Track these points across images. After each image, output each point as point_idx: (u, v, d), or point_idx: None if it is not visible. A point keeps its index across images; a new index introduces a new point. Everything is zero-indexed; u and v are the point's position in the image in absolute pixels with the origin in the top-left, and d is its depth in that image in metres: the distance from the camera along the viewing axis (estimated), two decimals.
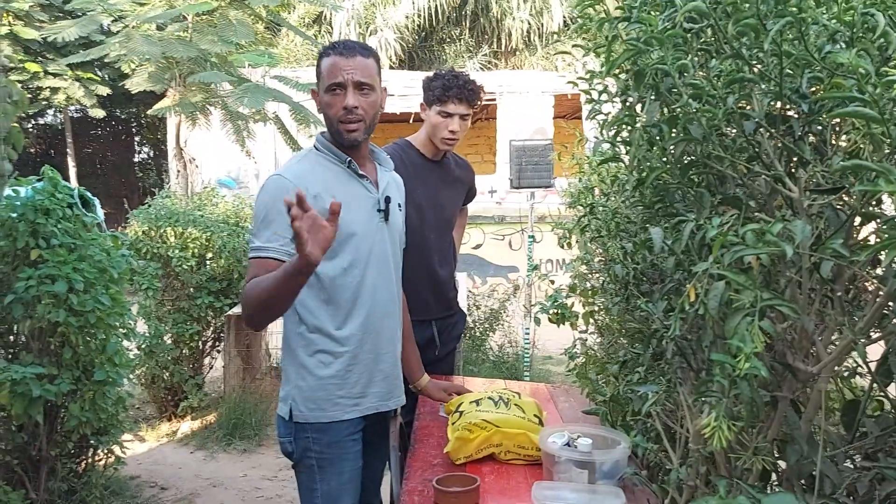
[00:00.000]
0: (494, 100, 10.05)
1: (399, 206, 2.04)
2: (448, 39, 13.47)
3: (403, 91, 9.68)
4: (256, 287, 1.66)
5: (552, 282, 3.15)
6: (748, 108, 1.12)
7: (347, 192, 1.86)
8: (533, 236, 5.06)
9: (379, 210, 1.92)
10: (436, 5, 12.46)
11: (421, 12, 12.47)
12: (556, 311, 2.57)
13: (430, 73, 2.70)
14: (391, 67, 12.05)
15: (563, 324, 2.57)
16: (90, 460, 3.16)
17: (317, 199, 1.78)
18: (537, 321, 2.99)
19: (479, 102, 2.68)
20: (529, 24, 13.10)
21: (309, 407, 1.85)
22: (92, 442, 3.08)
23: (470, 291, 6.21)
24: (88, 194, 2.98)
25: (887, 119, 0.78)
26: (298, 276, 1.57)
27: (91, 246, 2.82)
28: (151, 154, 17.51)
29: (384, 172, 2.01)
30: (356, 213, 1.86)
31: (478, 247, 9.90)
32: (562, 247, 3.09)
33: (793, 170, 1.12)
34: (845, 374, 1.32)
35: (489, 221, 9.82)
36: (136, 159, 17.63)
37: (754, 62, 1.06)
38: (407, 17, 12.37)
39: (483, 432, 1.89)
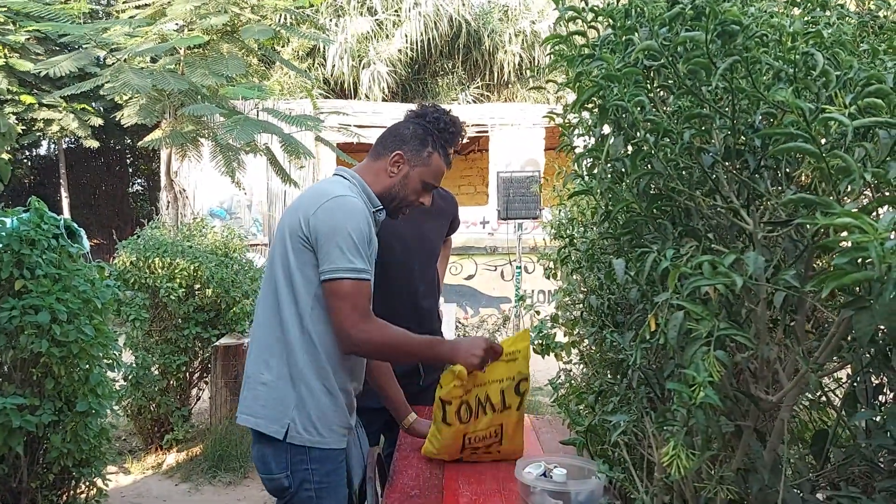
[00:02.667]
0: (486, 132, 10.15)
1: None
2: (441, 72, 13.63)
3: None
4: (408, 344, 1.87)
5: (538, 312, 3.16)
6: (712, 142, 1.16)
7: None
8: (521, 267, 5.09)
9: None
10: (428, 39, 12.63)
11: (413, 46, 12.63)
12: (540, 341, 2.58)
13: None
14: (384, 100, 12.17)
15: (548, 354, 2.58)
16: (72, 492, 3.12)
17: (372, 236, 1.89)
18: None
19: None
20: (521, 57, 13.27)
21: (309, 431, 1.84)
22: (74, 474, 3.05)
23: (460, 322, 6.22)
24: (74, 225, 3.00)
25: (828, 154, 0.80)
26: (448, 356, 1.91)
27: (75, 276, 2.82)
28: (146, 185, 17.55)
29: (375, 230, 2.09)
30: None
31: (470, 277, 9.92)
32: (548, 278, 3.11)
33: (750, 202, 1.15)
34: (820, 403, 1.34)
35: (481, 252, 9.85)
36: (130, 190, 17.66)
37: (712, 97, 1.09)
38: (400, 50, 12.53)
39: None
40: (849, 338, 1.08)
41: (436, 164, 2.01)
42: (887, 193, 0.98)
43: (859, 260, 0.78)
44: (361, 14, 12.82)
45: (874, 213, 0.83)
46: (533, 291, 9.43)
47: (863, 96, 0.82)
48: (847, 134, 0.80)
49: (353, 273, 1.75)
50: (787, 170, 1.14)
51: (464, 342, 1.94)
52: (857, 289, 0.93)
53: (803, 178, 1.21)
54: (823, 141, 0.97)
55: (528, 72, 13.08)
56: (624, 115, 1.16)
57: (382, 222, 2.21)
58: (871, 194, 1.05)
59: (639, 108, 1.10)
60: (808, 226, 1.02)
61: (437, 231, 2.88)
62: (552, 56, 1.51)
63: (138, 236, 4.68)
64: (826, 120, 0.78)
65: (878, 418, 1.09)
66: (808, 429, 1.51)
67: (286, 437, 1.82)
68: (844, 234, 0.81)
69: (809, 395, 1.29)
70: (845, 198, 0.91)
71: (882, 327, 0.93)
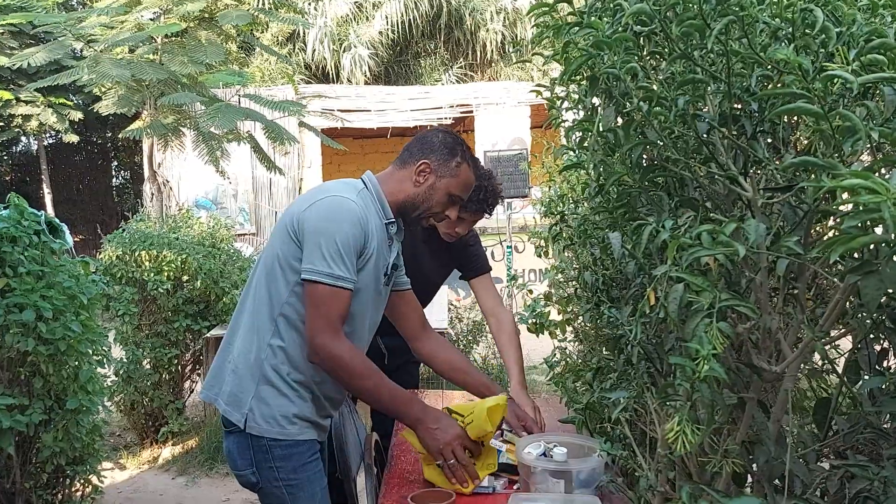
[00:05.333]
0: (471, 112, 10.08)
1: (398, 267, 2.01)
2: (423, 53, 13.51)
3: (380, 106, 9.69)
4: (371, 385, 1.76)
5: (530, 291, 3.14)
6: (704, 108, 1.12)
7: (378, 246, 1.83)
8: (511, 247, 5.06)
9: (385, 273, 1.90)
10: (409, 19, 12.50)
11: (394, 27, 12.50)
12: (534, 320, 2.56)
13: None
14: (366, 83, 12.06)
15: (542, 333, 2.56)
16: (67, 491, 3.09)
17: (371, 244, 1.78)
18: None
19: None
20: (503, 35, 13.17)
21: (268, 422, 1.78)
22: (68, 472, 3.02)
23: (452, 304, 6.19)
24: (56, 220, 2.94)
25: (830, 114, 0.77)
26: (410, 420, 1.80)
27: (59, 273, 2.77)
28: (129, 178, 17.37)
29: (397, 241, 1.97)
30: (374, 270, 1.84)
31: None
32: (539, 256, 3.08)
33: (748, 169, 1.12)
34: (821, 371, 1.32)
35: None
36: (113, 184, 17.48)
37: (705, 62, 1.05)
38: (381, 32, 12.39)
39: None
40: (852, 304, 1.05)
41: (464, 175, 1.91)
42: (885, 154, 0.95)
43: (867, 223, 0.75)
44: None
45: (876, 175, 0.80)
46: (524, 270, 9.42)
47: (866, 52, 0.78)
48: (847, 93, 0.77)
49: (329, 279, 1.68)
50: (783, 134, 1.11)
51: (435, 421, 1.79)
52: (861, 253, 0.90)
53: (799, 143, 1.18)
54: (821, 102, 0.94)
55: (510, 48, 12.98)
56: (615, 84, 1.13)
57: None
58: (867, 158, 1.02)
59: (631, 76, 1.07)
60: (809, 190, 0.99)
61: (437, 271, 2.69)
62: (537, 28, 1.47)
63: (123, 230, 4.62)
64: (829, 78, 0.75)
65: (884, 385, 1.06)
66: (807, 397, 1.50)
67: (245, 427, 1.77)
68: (846, 196, 0.78)
69: (813, 364, 1.27)
70: (846, 160, 0.88)
71: (890, 291, 0.90)
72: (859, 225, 0.74)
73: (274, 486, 1.80)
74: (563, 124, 1.59)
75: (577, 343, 2.64)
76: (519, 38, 13.06)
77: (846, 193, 0.75)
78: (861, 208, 0.66)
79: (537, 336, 2.57)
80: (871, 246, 0.81)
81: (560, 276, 2.69)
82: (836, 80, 0.78)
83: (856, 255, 0.93)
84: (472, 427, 1.83)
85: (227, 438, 1.84)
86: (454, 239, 2.52)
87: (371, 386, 1.76)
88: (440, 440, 1.77)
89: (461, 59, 13.50)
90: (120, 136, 5.67)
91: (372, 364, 1.78)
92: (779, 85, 0.95)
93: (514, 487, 1.83)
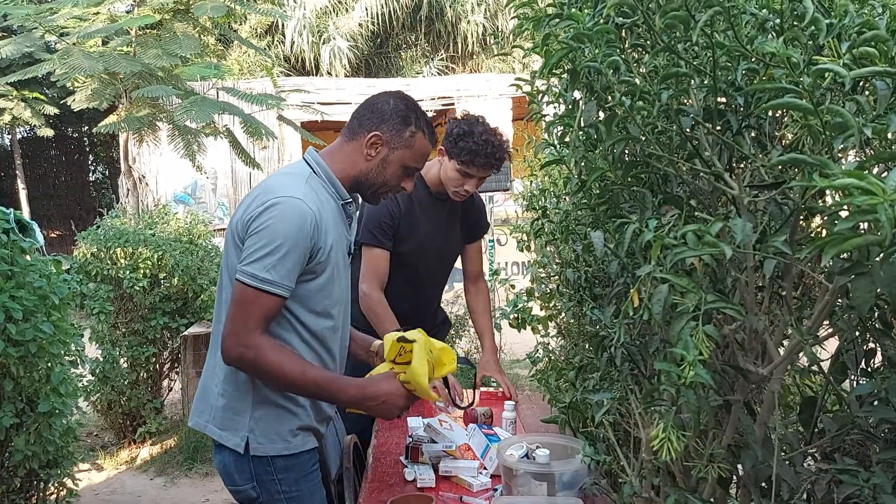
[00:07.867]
0: (453, 104, 10.02)
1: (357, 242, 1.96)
2: (404, 45, 13.42)
3: (360, 99, 9.53)
4: (293, 380, 1.61)
5: (512, 286, 3.10)
6: (689, 103, 1.09)
7: (338, 232, 1.73)
8: (493, 240, 5.03)
9: (349, 253, 1.82)
10: (389, 11, 12.40)
11: (374, 19, 12.40)
12: (516, 315, 2.53)
13: (462, 125, 2.44)
14: (346, 76, 11.96)
15: (524, 328, 2.53)
16: (41, 495, 3.02)
17: (327, 239, 1.66)
18: (498, 327, 2.95)
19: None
20: (485, 27, 13.11)
21: (271, 439, 1.68)
22: (41, 476, 2.95)
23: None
24: (25, 218, 2.86)
25: (820, 109, 0.74)
26: (349, 403, 1.69)
27: (30, 272, 2.70)
28: (106, 173, 17.15)
29: (354, 213, 1.87)
30: (340, 255, 1.75)
31: None
32: (521, 250, 3.05)
33: (733, 166, 1.09)
34: (807, 371, 1.29)
35: None
36: (90, 179, 17.25)
37: (689, 55, 1.02)
38: (360, 24, 12.29)
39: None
40: (840, 304, 1.02)
41: (419, 145, 1.78)
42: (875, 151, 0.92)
43: (859, 224, 0.72)
44: None
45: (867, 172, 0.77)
46: (506, 264, 9.40)
47: (858, 44, 0.75)
48: (837, 87, 0.74)
49: (258, 283, 1.56)
50: (770, 129, 1.08)
51: (373, 395, 1.67)
52: (850, 254, 0.87)
53: (785, 139, 1.15)
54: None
55: (492, 40, 12.93)
56: (597, 78, 1.09)
57: (406, 211, 2.26)
58: (854, 156, 0.99)
59: (612, 70, 1.03)
60: (796, 188, 0.96)
61: (455, 236, 2.73)
62: (517, 19, 1.43)
63: (98, 226, 4.53)
64: (820, 72, 0.72)
65: (875, 390, 1.04)
66: (790, 392, 1.47)
67: (247, 450, 1.66)
68: (839, 196, 0.74)
69: (799, 364, 1.24)
70: (834, 156, 0.85)
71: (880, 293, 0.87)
72: (852, 226, 0.71)
73: (276, 499, 1.69)
74: (543, 118, 1.55)
75: (559, 339, 2.62)
76: (500, 30, 13.01)
77: (839, 194, 0.72)
78: (855, 210, 0.63)
79: (519, 331, 2.54)
80: None
81: (542, 270, 2.66)
82: (826, 75, 0.75)
83: (844, 256, 0.90)
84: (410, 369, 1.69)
85: (219, 453, 1.71)
86: (463, 198, 2.52)
87: (296, 378, 1.61)
88: (388, 407, 1.67)
89: (442, 52, 13.43)
90: (94, 130, 5.55)
91: (294, 354, 1.65)
92: (766, 79, 0.91)
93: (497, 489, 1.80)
